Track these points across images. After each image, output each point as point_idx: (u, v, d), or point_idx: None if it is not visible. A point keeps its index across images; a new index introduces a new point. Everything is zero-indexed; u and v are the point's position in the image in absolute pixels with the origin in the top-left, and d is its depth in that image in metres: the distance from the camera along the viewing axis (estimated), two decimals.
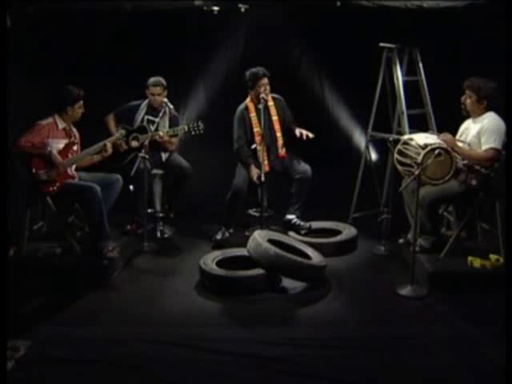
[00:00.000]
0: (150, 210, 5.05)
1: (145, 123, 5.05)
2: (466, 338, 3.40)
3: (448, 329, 3.51)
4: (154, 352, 3.25)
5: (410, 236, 4.47)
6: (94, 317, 3.71)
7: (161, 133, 4.91)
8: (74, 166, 4.50)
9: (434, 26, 5.15)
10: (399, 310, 3.80)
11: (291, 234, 4.86)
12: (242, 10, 5.22)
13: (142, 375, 3.06)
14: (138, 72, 5.26)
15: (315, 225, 5.10)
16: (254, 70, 4.87)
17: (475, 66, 4.65)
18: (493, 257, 4.11)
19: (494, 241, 4.29)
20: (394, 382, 3.04)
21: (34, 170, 4.26)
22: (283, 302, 3.94)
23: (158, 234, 5.13)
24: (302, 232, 4.89)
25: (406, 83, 5.09)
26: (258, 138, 4.86)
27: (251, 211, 5.17)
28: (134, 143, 4.96)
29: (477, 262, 4.08)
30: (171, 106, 4.94)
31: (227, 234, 4.92)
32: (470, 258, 4.13)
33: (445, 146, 4.08)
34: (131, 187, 4.95)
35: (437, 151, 3.98)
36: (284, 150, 4.94)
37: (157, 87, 5.01)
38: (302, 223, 4.93)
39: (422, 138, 4.22)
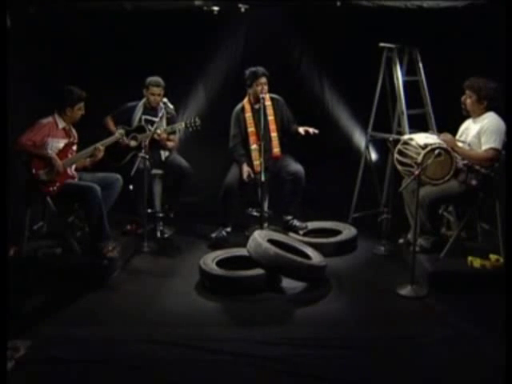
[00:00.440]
0: (149, 210, 5.05)
1: (142, 123, 5.05)
2: (466, 338, 3.39)
3: (448, 329, 3.51)
4: (154, 352, 3.24)
5: (409, 236, 4.47)
6: (93, 317, 3.71)
7: (159, 131, 4.91)
8: (73, 166, 4.50)
9: (434, 26, 5.15)
10: (399, 310, 3.80)
11: (291, 234, 4.86)
12: (242, 10, 5.22)
13: (141, 375, 3.06)
14: (137, 72, 5.26)
15: (315, 225, 5.11)
16: (253, 68, 4.89)
17: (475, 66, 4.64)
18: (493, 257, 4.11)
19: (494, 241, 4.28)
20: (394, 382, 3.04)
21: (33, 171, 4.26)
22: (283, 302, 3.94)
23: (158, 234, 5.13)
24: (301, 232, 4.89)
25: (405, 83, 5.09)
26: (252, 138, 4.91)
27: (251, 211, 5.17)
28: (133, 143, 4.97)
29: (477, 262, 4.08)
30: (171, 106, 4.94)
31: (224, 233, 4.92)
32: (469, 258, 4.13)
33: (445, 146, 4.09)
34: (131, 187, 4.95)
35: (437, 151, 3.98)
36: (278, 150, 4.93)
37: (158, 87, 5.02)
38: (298, 224, 4.93)
39: (422, 138, 4.22)
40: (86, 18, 5.30)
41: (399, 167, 4.28)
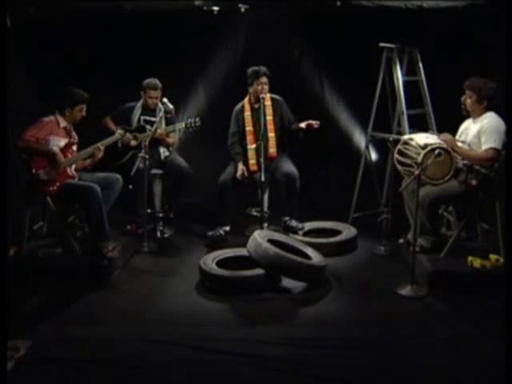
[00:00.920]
0: (149, 210, 5.05)
1: (141, 123, 5.06)
2: (466, 338, 3.40)
3: (448, 329, 3.51)
4: (154, 352, 3.24)
5: (409, 236, 4.48)
6: (94, 317, 3.71)
7: (159, 131, 4.92)
8: (73, 166, 4.50)
9: (434, 26, 5.15)
10: (399, 310, 3.80)
11: (291, 234, 4.86)
12: (242, 10, 5.22)
13: (142, 375, 3.05)
14: (137, 72, 5.26)
15: (315, 225, 5.11)
16: (255, 67, 4.90)
17: (475, 66, 4.65)
18: (493, 257, 4.11)
19: (494, 241, 4.28)
20: (394, 382, 3.04)
21: (33, 170, 4.26)
22: (283, 302, 3.94)
23: (158, 234, 5.13)
24: (300, 233, 4.89)
25: (405, 83, 5.09)
26: (249, 137, 4.93)
27: (251, 211, 5.17)
28: (133, 142, 4.98)
29: (477, 262, 4.08)
30: (171, 106, 4.94)
31: (222, 232, 4.93)
32: (469, 258, 4.13)
33: (445, 146, 4.09)
34: (131, 187, 4.95)
35: (437, 151, 3.98)
36: (275, 150, 4.92)
37: (156, 90, 5.03)
38: (295, 224, 4.90)
39: (422, 138, 4.22)
40: (86, 18, 5.30)
41: (399, 167, 4.28)
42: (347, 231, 4.95)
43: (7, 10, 4.08)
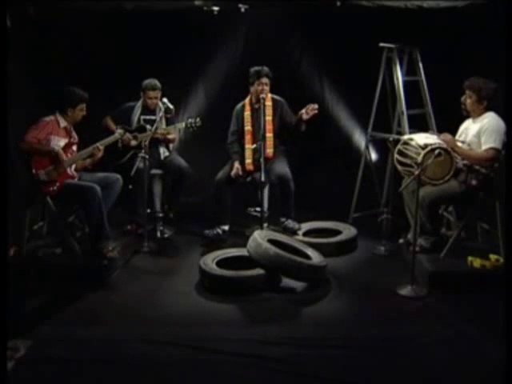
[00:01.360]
0: (149, 210, 5.05)
1: (141, 123, 5.06)
2: (466, 338, 3.40)
3: (448, 329, 3.51)
4: (154, 352, 3.25)
5: (409, 236, 4.48)
6: (94, 317, 3.71)
7: (160, 130, 4.92)
8: (73, 166, 4.51)
9: (433, 26, 5.15)
10: (399, 310, 3.80)
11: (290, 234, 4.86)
12: (242, 10, 5.22)
13: (142, 375, 3.06)
14: (137, 72, 5.26)
15: (315, 225, 5.11)
16: (258, 67, 4.90)
17: (475, 66, 4.65)
18: (493, 257, 4.11)
19: (494, 241, 4.29)
20: (394, 382, 3.04)
21: (34, 171, 4.26)
22: (283, 302, 3.94)
23: (158, 234, 5.13)
24: (299, 233, 4.88)
25: (405, 83, 5.09)
26: (247, 137, 4.95)
27: (251, 211, 5.17)
28: (133, 142, 4.98)
29: (477, 262, 4.08)
30: (171, 107, 4.94)
31: (219, 231, 4.94)
32: (469, 258, 4.13)
33: (445, 146, 4.09)
34: (131, 187, 4.95)
35: (437, 151, 3.98)
36: (271, 151, 4.90)
37: (154, 91, 5.04)
38: (291, 225, 4.89)
39: (422, 138, 4.22)
40: (86, 17, 5.30)
41: (399, 167, 4.28)
42: (347, 231, 4.95)
43: (7, 9, 4.08)
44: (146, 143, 4.70)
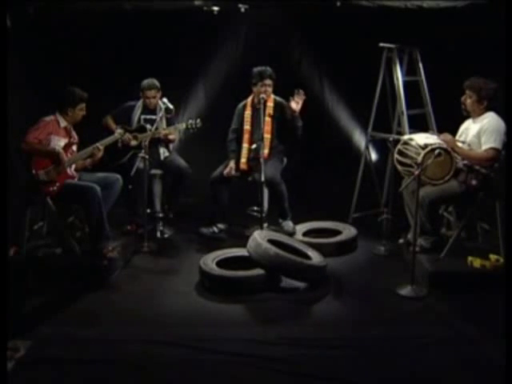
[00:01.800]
0: (149, 210, 5.05)
1: (142, 123, 5.06)
2: (466, 338, 3.40)
3: (448, 329, 3.51)
4: (154, 352, 3.24)
5: (409, 236, 4.47)
6: (94, 317, 3.71)
7: (160, 131, 4.93)
8: (73, 166, 4.51)
9: (434, 26, 5.15)
10: (399, 310, 3.80)
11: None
12: (242, 10, 5.23)
13: (142, 375, 3.06)
14: (137, 72, 5.26)
15: (315, 225, 5.11)
16: (261, 68, 4.88)
17: (475, 66, 4.64)
18: (493, 257, 4.11)
19: (494, 241, 4.28)
20: (394, 382, 3.04)
21: (33, 171, 4.26)
22: (283, 302, 3.94)
23: (158, 234, 5.13)
24: (299, 234, 4.88)
25: (406, 83, 5.09)
26: (245, 136, 4.96)
27: (251, 211, 5.17)
28: (133, 142, 4.98)
29: (477, 262, 4.08)
30: (171, 107, 4.94)
31: (215, 229, 4.97)
32: (469, 258, 4.13)
33: (445, 146, 4.09)
34: (131, 187, 4.95)
35: (437, 151, 3.98)
36: (267, 152, 4.87)
37: (151, 91, 5.03)
38: (285, 228, 4.88)
39: (422, 138, 4.22)
40: (86, 18, 5.30)
41: (399, 167, 4.28)
42: (347, 231, 4.94)
43: (7, 9, 4.08)
44: (146, 143, 4.70)
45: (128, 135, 4.94)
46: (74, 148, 4.53)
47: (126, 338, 3.40)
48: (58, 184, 4.33)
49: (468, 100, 4.22)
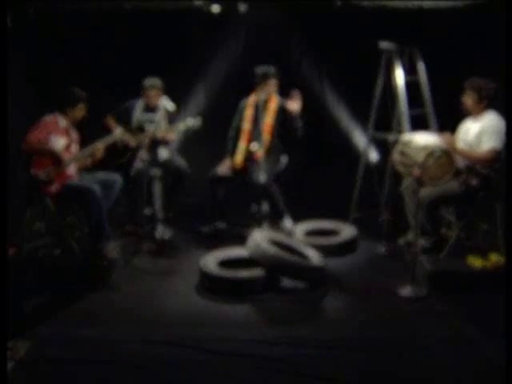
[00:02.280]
0: (149, 211, 5.05)
1: (142, 121, 5.06)
2: (466, 338, 3.39)
3: (448, 329, 3.51)
4: (154, 352, 3.24)
5: (410, 236, 4.47)
6: (94, 317, 3.71)
7: (159, 131, 4.93)
8: (73, 166, 4.50)
9: (434, 26, 5.15)
10: (399, 311, 3.79)
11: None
12: (242, 10, 5.22)
13: (142, 375, 3.05)
14: (137, 72, 5.26)
15: (316, 225, 5.10)
16: (265, 68, 4.87)
17: (475, 66, 4.65)
18: (493, 257, 4.11)
19: (494, 241, 4.28)
20: (394, 382, 3.04)
21: (33, 171, 4.26)
22: (283, 302, 3.93)
23: (158, 235, 5.12)
24: (299, 234, 4.88)
25: (406, 83, 5.08)
26: (244, 135, 4.97)
27: (251, 211, 5.16)
28: (133, 142, 4.98)
29: (477, 262, 4.09)
30: (172, 107, 4.92)
31: (213, 227, 4.97)
32: (470, 258, 4.13)
33: (445, 146, 4.08)
34: (130, 187, 4.94)
35: (437, 152, 3.98)
36: (264, 152, 4.83)
37: (152, 90, 5.02)
38: (284, 226, 4.90)
39: (422, 138, 4.21)
40: (86, 17, 5.30)
41: (399, 167, 4.28)
42: (347, 231, 4.94)
43: (7, 9, 4.08)
44: (146, 143, 4.69)
45: (128, 135, 4.93)
46: (74, 148, 4.53)
47: (125, 338, 3.40)
48: (57, 184, 4.33)
49: (468, 100, 4.22)
